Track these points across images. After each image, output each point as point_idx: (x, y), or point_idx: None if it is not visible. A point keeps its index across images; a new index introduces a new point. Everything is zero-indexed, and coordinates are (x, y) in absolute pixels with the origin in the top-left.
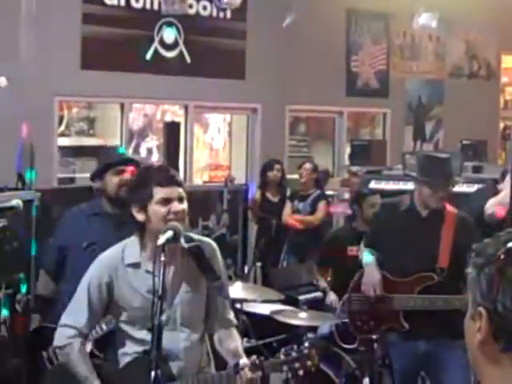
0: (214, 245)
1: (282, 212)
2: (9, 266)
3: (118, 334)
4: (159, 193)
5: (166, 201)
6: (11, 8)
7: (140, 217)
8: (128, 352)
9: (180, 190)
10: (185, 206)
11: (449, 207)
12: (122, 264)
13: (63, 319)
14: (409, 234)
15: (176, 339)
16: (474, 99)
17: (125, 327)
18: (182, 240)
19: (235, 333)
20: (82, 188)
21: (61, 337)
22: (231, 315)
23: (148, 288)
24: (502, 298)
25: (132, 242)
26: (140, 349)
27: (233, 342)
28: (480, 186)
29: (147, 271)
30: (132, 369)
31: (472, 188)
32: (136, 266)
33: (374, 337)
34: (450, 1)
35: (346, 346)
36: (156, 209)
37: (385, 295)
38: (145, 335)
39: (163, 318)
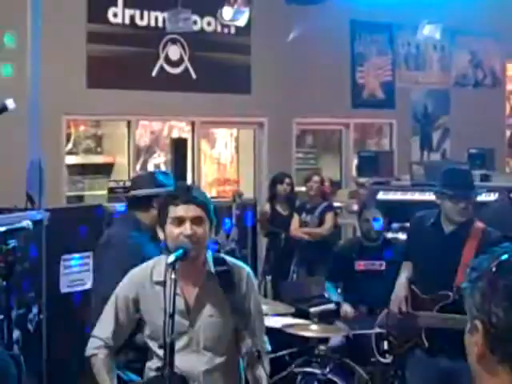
0: (248, 272)
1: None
2: (20, 286)
3: (146, 349)
4: (172, 212)
5: (179, 220)
6: (17, 27)
7: (161, 235)
8: (152, 367)
9: (197, 209)
10: (201, 228)
11: (478, 223)
12: (150, 281)
13: (94, 330)
14: (432, 249)
15: (197, 362)
16: (479, 108)
17: (150, 343)
18: (211, 262)
19: (259, 358)
20: (91, 206)
21: (89, 347)
22: (262, 341)
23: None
24: (495, 309)
25: (161, 259)
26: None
27: (257, 371)
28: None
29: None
30: None
31: (480, 197)
32: (161, 284)
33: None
34: (454, 11)
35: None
36: (170, 229)
37: (410, 312)
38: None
39: (185, 338)
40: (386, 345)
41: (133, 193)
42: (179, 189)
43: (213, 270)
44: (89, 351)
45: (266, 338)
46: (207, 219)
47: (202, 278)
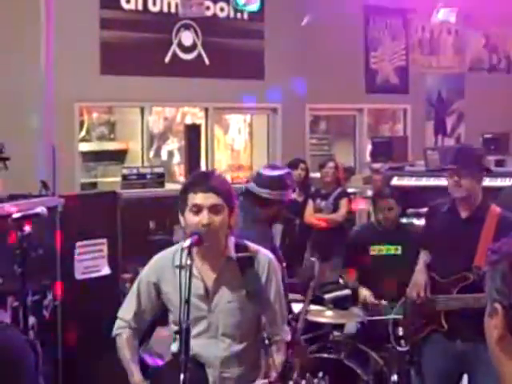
0: (270, 259)
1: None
2: (35, 272)
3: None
4: (191, 199)
5: (197, 208)
6: (31, 15)
7: (182, 221)
8: (174, 351)
9: (215, 198)
10: (219, 217)
11: (493, 207)
12: (171, 265)
13: (119, 311)
14: (449, 234)
15: (214, 347)
16: (494, 92)
17: (173, 328)
18: (232, 248)
19: (278, 348)
20: (106, 193)
21: (115, 328)
22: (281, 330)
23: (193, 291)
24: None
25: None
26: None
27: (271, 356)
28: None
29: (193, 275)
30: (168, 370)
31: (495, 182)
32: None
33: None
34: None
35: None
36: (188, 217)
37: (429, 297)
38: None
39: (204, 323)
40: (401, 331)
41: (253, 188)
42: (198, 176)
43: (233, 255)
44: (114, 331)
45: (286, 328)
46: (226, 207)
47: (222, 263)
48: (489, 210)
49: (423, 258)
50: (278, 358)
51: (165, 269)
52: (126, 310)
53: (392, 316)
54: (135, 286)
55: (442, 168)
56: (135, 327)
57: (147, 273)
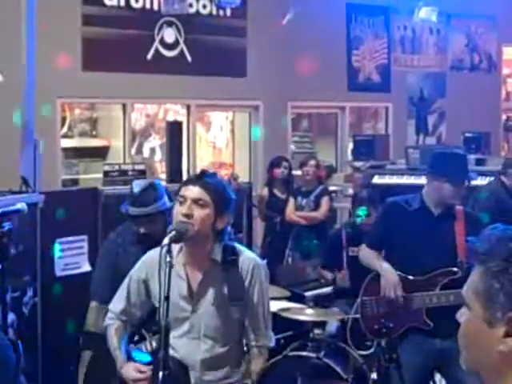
0: (258, 263)
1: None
2: (15, 269)
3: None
4: (180, 191)
5: (183, 199)
6: (11, 10)
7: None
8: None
9: (201, 192)
10: (202, 211)
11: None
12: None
13: (110, 304)
14: (423, 233)
15: (196, 349)
16: (475, 92)
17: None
18: (219, 250)
19: (257, 353)
20: (87, 190)
21: (106, 319)
22: (264, 335)
23: (177, 292)
24: None
25: None
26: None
27: (250, 363)
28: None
29: (178, 275)
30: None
31: (475, 180)
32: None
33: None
34: None
35: (362, 353)
36: (175, 207)
37: (406, 295)
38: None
39: (187, 324)
40: (367, 332)
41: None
42: (196, 173)
43: (218, 258)
44: (105, 323)
45: (270, 334)
46: (212, 204)
47: (207, 265)
48: (455, 207)
49: (379, 258)
50: (256, 364)
51: (153, 266)
52: (116, 304)
53: (354, 315)
54: (126, 280)
55: (459, 177)
56: (124, 320)
57: (138, 269)
